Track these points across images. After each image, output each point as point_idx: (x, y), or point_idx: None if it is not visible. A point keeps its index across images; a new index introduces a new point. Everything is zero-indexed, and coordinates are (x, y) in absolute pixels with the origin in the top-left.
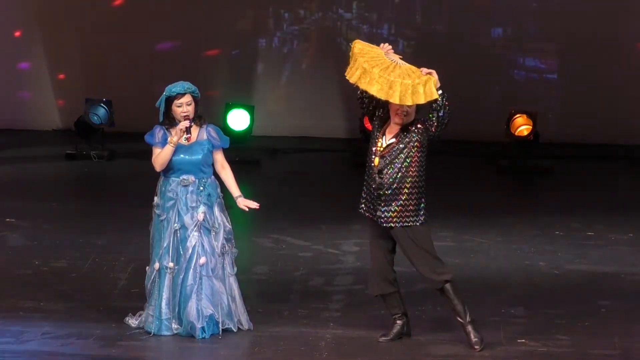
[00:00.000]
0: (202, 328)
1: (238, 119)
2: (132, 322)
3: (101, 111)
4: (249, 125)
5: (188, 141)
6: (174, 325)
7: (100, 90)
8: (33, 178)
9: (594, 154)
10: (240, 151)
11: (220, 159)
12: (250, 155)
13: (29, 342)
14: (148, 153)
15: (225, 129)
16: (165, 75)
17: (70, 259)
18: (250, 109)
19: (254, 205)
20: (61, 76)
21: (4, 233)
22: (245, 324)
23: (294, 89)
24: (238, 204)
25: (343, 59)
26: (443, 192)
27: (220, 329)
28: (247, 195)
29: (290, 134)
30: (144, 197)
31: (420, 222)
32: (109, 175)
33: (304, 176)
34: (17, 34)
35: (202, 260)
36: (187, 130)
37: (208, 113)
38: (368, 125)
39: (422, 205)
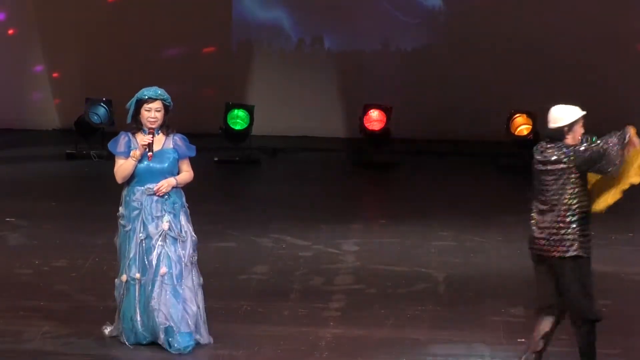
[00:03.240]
0: (169, 340)
1: (238, 119)
2: (106, 330)
3: (101, 111)
4: (249, 125)
5: (149, 159)
6: (147, 335)
7: (100, 90)
8: (33, 178)
9: None
10: (240, 151)
11: (185, 168)
12: (250, 155)
13: (29, 342)
14: None
15: (225, 129)
16: (165, 74)
17: (71, 258)
18: (250, 109)
19: (160, 189)
20: (59, 75)
21: (4, 233)
22: (206, 337)
23: (294, 89)
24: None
25: (343, 58)
26: (443, 192)
27: (187, 340)
28: (247, 194)
29: (290, 133)
30: None
31: None
32: (109, 174)
33: (304, 176)
34: (14, 32)
35: (162, 270)
36: (150, 146)
37: (208, 113)
38: (367, 125)
39: None
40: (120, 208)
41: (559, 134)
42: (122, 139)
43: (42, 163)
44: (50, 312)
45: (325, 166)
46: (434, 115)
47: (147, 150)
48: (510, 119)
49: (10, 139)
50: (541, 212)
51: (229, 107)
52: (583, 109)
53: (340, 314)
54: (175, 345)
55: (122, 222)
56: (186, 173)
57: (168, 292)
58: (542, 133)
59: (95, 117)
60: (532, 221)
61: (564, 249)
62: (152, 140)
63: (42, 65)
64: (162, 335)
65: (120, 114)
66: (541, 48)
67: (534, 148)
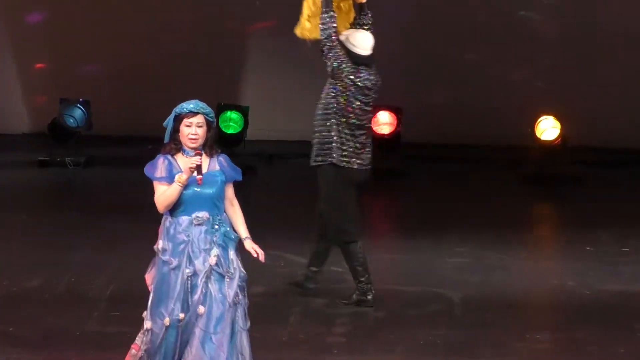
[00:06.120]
0: None
1: (231, 122)
2: None
3: (78, 113)
4: (243, 128)
5: (199, 183)
6: None
7: (76, 90)
8: (1, 187)
9: (627, 160)
10: (234, 156)
11: (230, 193)
12: (244, 161)
13: None
14: (130, 160)
15: (217, 132)
16: (151, 74)
17: (43, 278)
18: (245, 111)
19: (261, 255)
20: (31, 73)
21: None
22: None
23: (291, 90)
24: (245, 245)
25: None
26: (459, 203)
27: None
28: (240, 204)
29: (287, 138)
30: (125, 208)
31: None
32: (86, 184)
33: (303, 184)
34: None
35: (200, 309)
36: (199, 168)
37: None
38: (376, 130)
39: None
40: (161, 241)
41: (372, 61)
42: (162, 162)
43: (10, 171)
44: (21, 339)
45: None
46: (449, 117)
47: (196, 173)
48: (534, 122)
49: None
50: (363, 134)
51: (221, 109)
52: (617, 111)
53: (344, 340)
54: None
55: (164, 257)
56: (240, 213)
57: (198, 337)
58: (359, 61)
59: (71, 120)
60: (357, 144)
61: None
62: (201, 162)
63: (11, 62)
64: None
65: (98, 116)
66: (566, 43)
67: (357, 75)
